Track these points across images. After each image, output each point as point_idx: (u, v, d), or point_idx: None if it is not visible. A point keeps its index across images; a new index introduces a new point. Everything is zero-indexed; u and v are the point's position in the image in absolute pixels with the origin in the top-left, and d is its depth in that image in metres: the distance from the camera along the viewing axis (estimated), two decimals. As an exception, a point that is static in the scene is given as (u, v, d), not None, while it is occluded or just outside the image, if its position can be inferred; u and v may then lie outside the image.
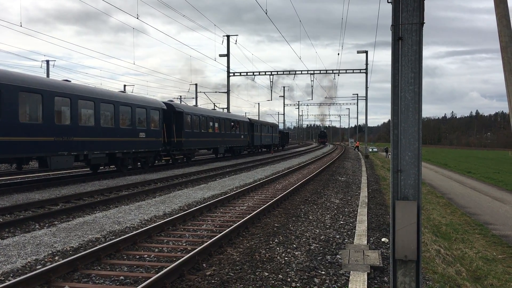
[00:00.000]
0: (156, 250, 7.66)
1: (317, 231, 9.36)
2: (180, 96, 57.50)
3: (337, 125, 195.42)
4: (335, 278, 6.34)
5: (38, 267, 6.54)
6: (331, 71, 43.95)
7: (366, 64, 44.85)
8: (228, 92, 43.43)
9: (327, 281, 6.19)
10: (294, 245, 8.00)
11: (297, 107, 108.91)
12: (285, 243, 8.08)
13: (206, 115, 30.64)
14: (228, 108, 43.23)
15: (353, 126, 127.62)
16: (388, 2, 4.76)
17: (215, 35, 72.08)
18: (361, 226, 9.72)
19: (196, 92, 55.42)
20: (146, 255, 7.27)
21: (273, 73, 43.32)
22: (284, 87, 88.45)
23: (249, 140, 41.65)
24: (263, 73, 43.17)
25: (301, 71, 43.02)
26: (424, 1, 4.61)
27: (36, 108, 15.49)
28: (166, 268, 6.10)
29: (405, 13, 4.61)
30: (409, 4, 4.61)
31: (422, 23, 4.59)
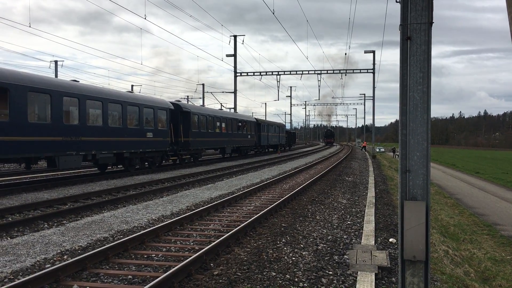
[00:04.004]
0: (164, 249, 7.69)
1: (325, 231, 9.34)
2: (187, 96, 57.68)
3: (344, 125, 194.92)
4: (342, 278, 6.33)
5: (47, 266, 6.58)
6: (338, 71, 43.89)
7: (374, 64, 44.72)
8: (235, 92, 43.49)
9: (335, 281, 6.18)
10: (302, 245, 7.99)
11: (304, 107, 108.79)
12: (292, 243, 8.08)
13: (213, 115, 30.69)
14: (235, 108, 43.29)
15: (360, 126, 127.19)
16: (396, 1, 4.74)
17: (222, 35, 72.34)
18: (369, 226, 9.69)
19: (203, 92, 55.55)
20: (154, 255, 7.29)
21: (280, 73, 43.32)
22: (291, 87, 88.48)
23: (256, 140, 41.64)
24: (270, 73, 43.19)
25: (308, 71, 43.00)
26: (433, 1, 4.59)
27: (44, 108, 15.60)
28: (174, 267, 6.11)
29: (413, 12, 4.60)
30: (418, 4, 4.59)
31: (431, 23, 4.57)
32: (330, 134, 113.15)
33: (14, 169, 23.61)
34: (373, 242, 8.28)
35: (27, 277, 5.56)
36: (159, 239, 8.36)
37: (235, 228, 8.75)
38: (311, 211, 11.56)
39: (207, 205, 11.91)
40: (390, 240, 8.80)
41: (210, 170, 23.32)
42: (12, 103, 13.93)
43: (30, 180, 17.78)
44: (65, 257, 7.07)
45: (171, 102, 25.66)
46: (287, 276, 6.25)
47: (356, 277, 6.29)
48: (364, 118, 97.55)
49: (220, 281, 5.94)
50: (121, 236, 8.50)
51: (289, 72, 43.49)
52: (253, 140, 40.53)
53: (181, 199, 13.38)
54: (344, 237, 8.90)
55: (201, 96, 57.21)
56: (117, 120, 19.46)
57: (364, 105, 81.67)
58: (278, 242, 8.12)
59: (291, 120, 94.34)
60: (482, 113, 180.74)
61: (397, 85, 4.76)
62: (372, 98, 48.88)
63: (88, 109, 17.59)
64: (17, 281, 5.45)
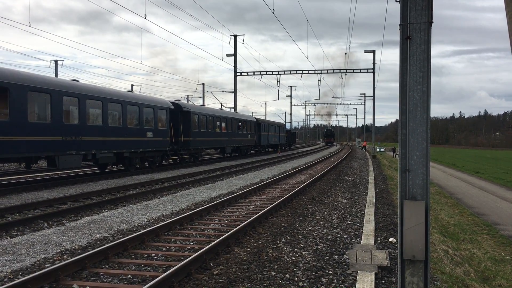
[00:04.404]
0: (164, 249, 7.69)
1: (324, 230, 9.34)
2: (187, 95, 57.67)
3: (344, 124, 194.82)
4: (342, 278, 6.33)
5: (47, 265, 6.58)
6: (338, 71, 43.87)
7: (374, 63, 44.71)
8: (235, 92, 43.48)
9: (334, 281, 6.18)
10: (301, 245, 8.00)
11: (304, 106, 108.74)
12: (292, 243, 8.08)
13: (213, 114, 30.69)
14: (235, 107, 43.28)
15: (360, 125, 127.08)
16: (396, 1, 4.74)
17: (222, 34, 72.38)
18: (369, 226, 9.69)
19: (203, 92, 55.56)
20: (154, 254, 7.29)
21: (280, 72, 43.31)
22: (291, 86, 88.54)
23: (256, 139, 41.64)
24: (270, 72, 43.17)
25: (308, 70, 42.98)
26: (433, 0, 4.59)
27: (44, 107, 15.60)
28: (173, 267, 6.11)
29: (413, 12, 4.60)
30: (418, 3, 4.59)
31: (431, 22, 4.57)
32: (330, 134, 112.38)
33: (14, 169, 23.61)
34: (373, 242, 8.28)
35: (27, 277, 5.57)
36: (159, 239, 8.36)
37: (235, 227, 8.75)
38: (311, 211, 11.56)
39: (207, 204, 11.91)
40: (390, 239, 8.80)
41: (210, 169, 23.32)
42: (12, 103, 13.93)
43: (30, 180, 17.78)
44: (65, 256, 7.07)
45: (171, 102, 25.65)
46: (287, 275, 6.25)
47: (356, 277, 6.29)
48: (364, 118, 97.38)
49: (220, 280, 5.94)
50: (121, 236, 8.50)
51: (289, 72, 43.49)
52: (253, 139, 40.52)
53: (181, 198, 13.38)
54: (344, 236, 8.90)
55: (201, 95, 57.23)
56: (117, 119, 19.46)
57: (364, 104, 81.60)
58: (278, 241, 8.13)
59: (291, 119, 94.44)
60: (482, 113, 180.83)
61: (397, 85, 4.76)
62: (372, 97, 48.88)
63: (88, 109, 17.59)
64: (17, 281, 5.45)
